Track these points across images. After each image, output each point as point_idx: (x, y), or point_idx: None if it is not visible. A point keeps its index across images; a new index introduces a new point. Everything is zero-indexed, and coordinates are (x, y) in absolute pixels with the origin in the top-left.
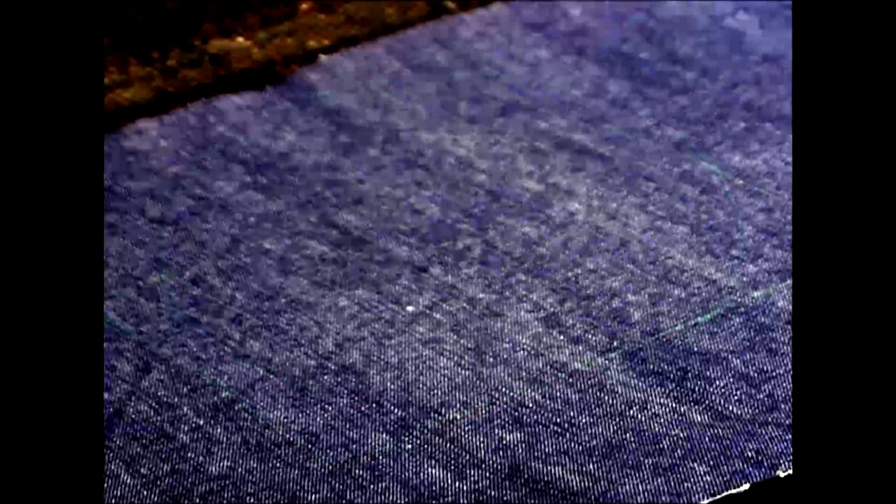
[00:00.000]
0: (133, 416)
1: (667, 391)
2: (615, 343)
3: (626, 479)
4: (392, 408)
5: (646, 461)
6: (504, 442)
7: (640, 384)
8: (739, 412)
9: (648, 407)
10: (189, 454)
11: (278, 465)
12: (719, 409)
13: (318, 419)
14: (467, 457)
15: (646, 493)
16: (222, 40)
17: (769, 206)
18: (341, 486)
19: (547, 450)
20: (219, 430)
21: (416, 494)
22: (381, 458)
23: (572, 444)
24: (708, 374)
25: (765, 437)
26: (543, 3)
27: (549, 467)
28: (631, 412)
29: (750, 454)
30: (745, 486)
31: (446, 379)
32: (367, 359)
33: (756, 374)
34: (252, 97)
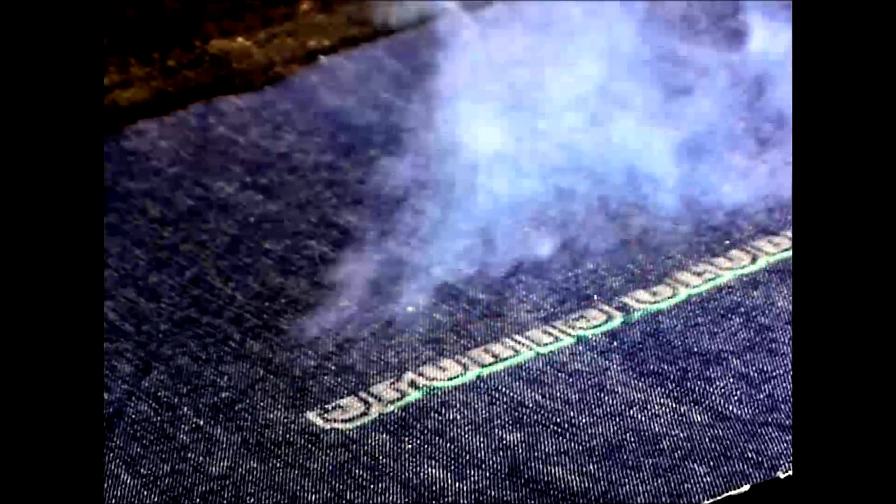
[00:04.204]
0: (133, 416)
1: (667, 391)
2: (615, 343)
3: (626, 480)
4: (392, 408)
5: (646, 462)
6: (504, 442)
7: (640, 384)
8: (739, 412)
9: (648, 407)
10: (189, 454)
11: (278, 465)
12: (719, 409)
13: (318, 419)
14: (467, 457)
15: (646, 494)
16: (222, 41)
17: (769, 206)
18: (341, 486)
19: (547, 450)
20: (219, 430)
21: (416, 494)
22: (381, 458)
23: (572, 444)
24: (708, 374)
25: (765, 437)
26: (543, 3)
27: (549, 467)
28: (631, 412)
29: (750, 455)
30: (746, 487)
31: (446, 379)
32: (366, 359)
33: (756, 375)
34: (252, 98)
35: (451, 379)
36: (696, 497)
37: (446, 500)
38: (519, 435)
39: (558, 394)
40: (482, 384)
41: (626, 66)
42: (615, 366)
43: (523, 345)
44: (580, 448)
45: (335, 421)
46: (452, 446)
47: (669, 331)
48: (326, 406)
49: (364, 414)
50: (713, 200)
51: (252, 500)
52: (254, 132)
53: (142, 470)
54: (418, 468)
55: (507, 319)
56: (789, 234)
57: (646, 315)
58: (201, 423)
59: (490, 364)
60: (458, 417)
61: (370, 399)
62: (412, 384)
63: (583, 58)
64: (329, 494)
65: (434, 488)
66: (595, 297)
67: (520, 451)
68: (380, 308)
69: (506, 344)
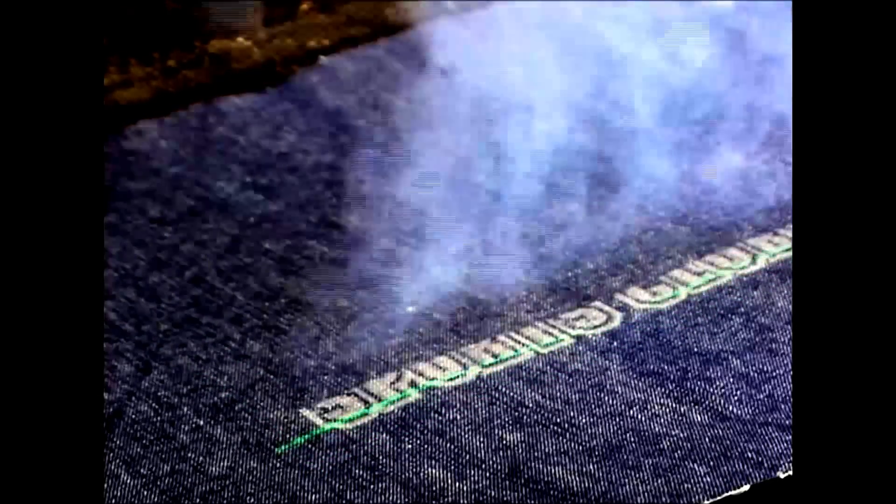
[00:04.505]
0: (133, 416)
1: (667, 391)
2: (615, 343)
3: (627, 480)
4: (392, 408)
5: (646, 462)
6: (504, 442)
7: (640, 384)
8: (739, 413)
9: (648, 407)
10: (189, 454)
11: (278, 465)
12: (719, 409)
13: (318, 419)
14: (467, 457)
15: (646, 494)
16: (222, 40)
17: (769, 206)
18: (341, 486)
19: (547, 450)
20: (219, 430)
21: (416, 494)
22: (381, 458)
23: (572, 445)
24: (708, 374)
25: (765, 437)
26: (543, 3)
27: (549, 467)
28: (631, 412)
29: (750, 455)
30: (746, 487)
31: (446, 379)
32: (366, 359)
33: (756, 375)
34: (252, 98)
35: (451, 379)
36: (696, 497)
37: (446, 500)
38: (519, 435)
39: (558, 394)
40: (482, 384)
41: (623, 68)
42: (615, 366)
43: (523, 345)
44: (580, 448)
45: (335, 421)
46: (452, 446)
47: (669, 331)
48: (326, 406)
49: (364, 414)
50: (713, 200)
51: (252, 500)
52: (254, 132)
53: (142, 470)
54: (418, 468)
55: (507, 319)
56: (789, 234)
57: (646, 315)
58: (201, 423)
59: (490, 364)
60: (458, 417)
61: (370, 399)
62: (412, 384)
63: (580, 59)
64: (329, 494)
65: (434, 488)
66: (595, 297)
67: (520, 451)
68: (380, 308)
69: (506, 344)
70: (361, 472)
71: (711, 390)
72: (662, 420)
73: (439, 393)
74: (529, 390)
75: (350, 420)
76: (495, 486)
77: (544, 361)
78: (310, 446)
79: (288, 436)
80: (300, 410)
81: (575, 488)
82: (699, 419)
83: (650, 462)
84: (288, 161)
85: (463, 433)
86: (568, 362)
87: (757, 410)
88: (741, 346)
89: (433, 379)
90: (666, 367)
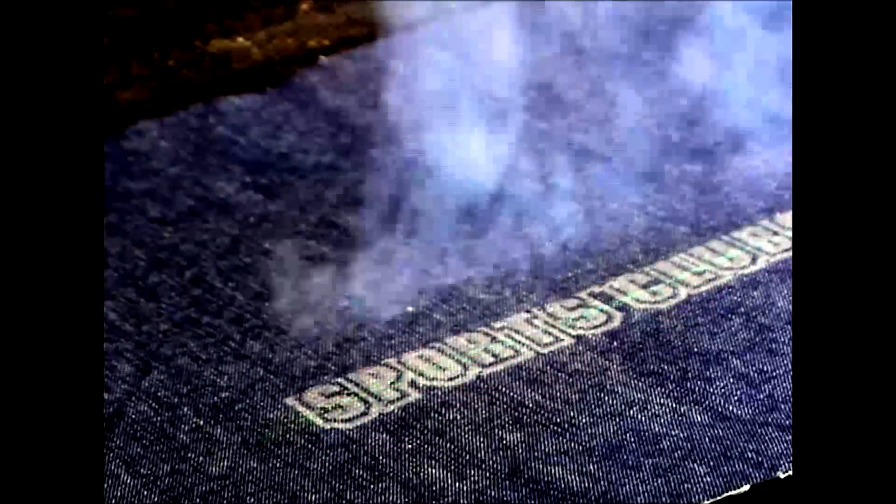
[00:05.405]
0: (133, 416)
1: (667, 391)
2: (615, 343)
3: (626, 480)
4: (392, 408)
5: (646, 462)
6: (504, 442)
7: (640, 384)
8: (739, 413)
9: (648, 407)
10: (189, 454)
11: (278, 465)
12: (719, 409)
13: (318, 419)
14: (467, 457)
15: (646, 494)
16: (222, 41)
17: (769, 206)
18: (341, 486)
19: (547, 450)
20: (219, 430)
21: (416, 494)
22: (381, 458)
23: (572, 444)
24: (708, 374)
25: (765, 437)
26: (543, 3)
27: (549, 467)
28: (631, 412)
29: (750, 455)
30: (746, 487)
31: (446, 379)
32: (366, 359)
33: (756, 375)
34: (252, 98)
35: (451, 379)
36: (696, 497)
37: (446, 500)
38: (519, 435)
39: (558, 394)
40: (482, 384)
41: (624, 65)
42: (615, 366)
43: (523, 345)
44: (580, 448)
45: (335, 421)
46: (452, 446)
47: (669, 331)
48: (326, 406)
49: (364, 414)
50: (713, 200)
51: (252, 500)
52: (254, 132)
53: (142, 470)
54: (418, 468)
55: (508, 319)
56: (789, 234)
57: (646, 315)
58: (201, 423)
59: (490, 364)
60: (458, 417)
61: (370, 399)
62: (412, 384)
63: (579, 57)
64: (329, 494)
65: (434, 488)
66: (595, 296)
67: (520, 451)
68: (380, 308)
69: (506, 344)
70: (361, 472)
71: (711, 390)
72: (662, 420)
73: (439, 393)
74: (529, 390)
75: (350, 420)
76: (495, 486)
77: (544, 361)
78: (310, 447)
79: (288, 435)
80: (300, 410)
81: (575, 488)
82: (699, 419)
83: (650, 462)
84: (288, 161)
85: (463, 433)
86: (568, 362)
87: (757, 410)
88: (741, 346)
89: (433, 379)
90: (666, 367)
